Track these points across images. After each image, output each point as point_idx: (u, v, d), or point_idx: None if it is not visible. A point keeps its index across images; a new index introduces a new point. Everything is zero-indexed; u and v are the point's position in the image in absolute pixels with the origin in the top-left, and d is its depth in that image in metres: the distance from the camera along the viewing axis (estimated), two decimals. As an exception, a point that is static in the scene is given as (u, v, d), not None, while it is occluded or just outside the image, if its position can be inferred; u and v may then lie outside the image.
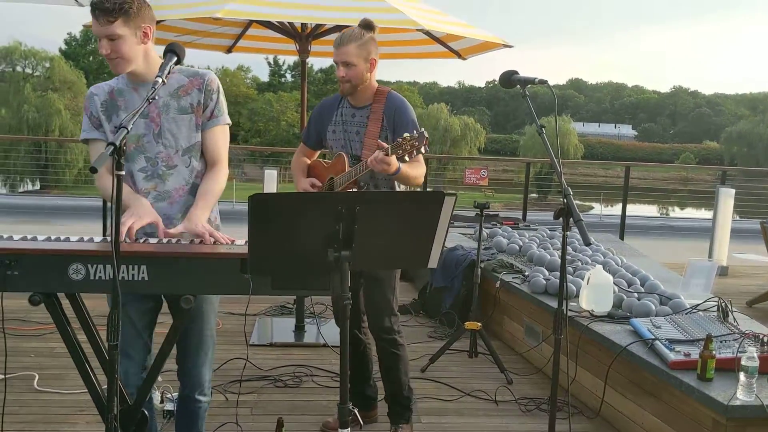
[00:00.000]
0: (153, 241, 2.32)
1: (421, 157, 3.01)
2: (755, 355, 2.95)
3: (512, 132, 69.23)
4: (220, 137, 2.62)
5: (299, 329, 4.96)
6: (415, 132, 2.84)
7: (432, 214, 2.03)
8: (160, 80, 2.16)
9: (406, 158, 2.83)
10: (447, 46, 5.11)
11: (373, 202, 1.99)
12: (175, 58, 2.27)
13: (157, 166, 2.53)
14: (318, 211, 1.93)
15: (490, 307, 5.17)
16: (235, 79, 63.56)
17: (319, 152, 3.60)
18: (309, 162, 3.58)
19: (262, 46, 5.39)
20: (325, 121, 3.41)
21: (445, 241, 2.13)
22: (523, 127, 59.87)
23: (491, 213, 7.67)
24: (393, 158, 2.87)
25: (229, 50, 5.36)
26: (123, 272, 2.08)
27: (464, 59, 5.27)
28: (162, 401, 3.61)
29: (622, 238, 8.08)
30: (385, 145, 2.91)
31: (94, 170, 1.78)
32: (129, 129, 1.94)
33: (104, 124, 2.54)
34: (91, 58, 58.36)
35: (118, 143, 1.88)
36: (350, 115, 3.33)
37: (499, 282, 4.93)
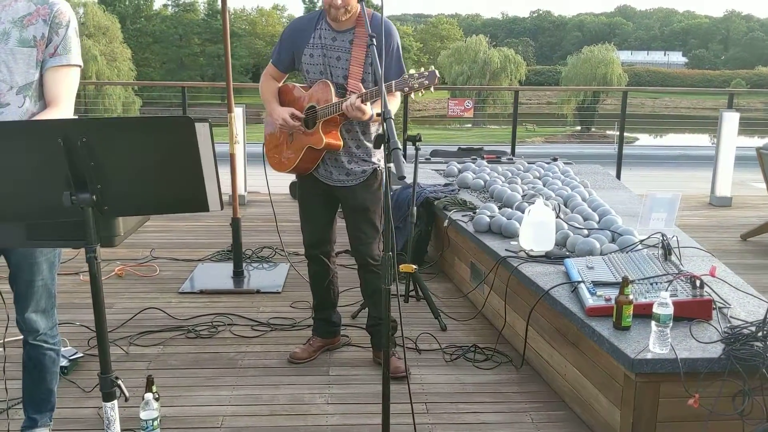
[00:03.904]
0: None
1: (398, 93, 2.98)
2: (668, 300, 2.53)
3: (557, 63, 66.90)
4: (63, 79, 2.32)
5: (237, 275, 4.69)
6: (423, 69, 2.79)
7: (186, 145, 1.67)
8: None
9: (412, 95, 2.88)
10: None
11: (103, 131, 1.63)
12: None
13: None
14: (24, 144, 1.58)
15: (442, 248, 4.81)
16: (270, 19, 62.92)
17: (287, 75, 3.37)
18: (279, 86, 3.36)
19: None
20: (300, 44, 3.18)
21: (219, 176, 1.77)
22: (567, 57, 57.71)
23: (475, 147, 7.23)
24: (367, 105, 2.89)
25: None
26: None
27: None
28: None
29: (618, 168, 7.53)
30: (363, 89, 2.92)
31: None
32: None
33: None
34: (126, 2, 57.99)
35: None
36: (331, 39, 3.11)
37: (447, 221, 4.54)
